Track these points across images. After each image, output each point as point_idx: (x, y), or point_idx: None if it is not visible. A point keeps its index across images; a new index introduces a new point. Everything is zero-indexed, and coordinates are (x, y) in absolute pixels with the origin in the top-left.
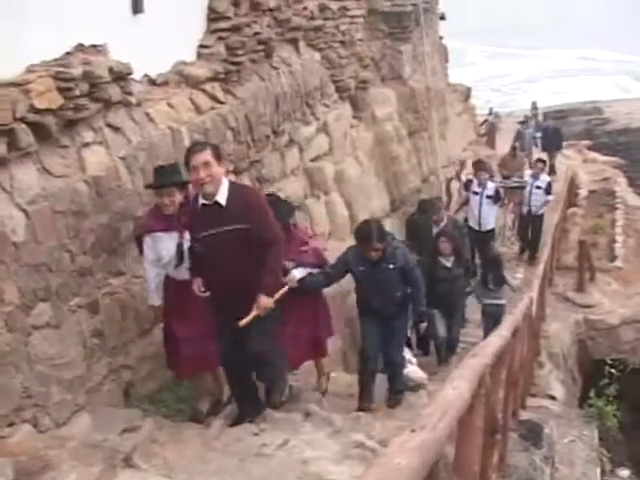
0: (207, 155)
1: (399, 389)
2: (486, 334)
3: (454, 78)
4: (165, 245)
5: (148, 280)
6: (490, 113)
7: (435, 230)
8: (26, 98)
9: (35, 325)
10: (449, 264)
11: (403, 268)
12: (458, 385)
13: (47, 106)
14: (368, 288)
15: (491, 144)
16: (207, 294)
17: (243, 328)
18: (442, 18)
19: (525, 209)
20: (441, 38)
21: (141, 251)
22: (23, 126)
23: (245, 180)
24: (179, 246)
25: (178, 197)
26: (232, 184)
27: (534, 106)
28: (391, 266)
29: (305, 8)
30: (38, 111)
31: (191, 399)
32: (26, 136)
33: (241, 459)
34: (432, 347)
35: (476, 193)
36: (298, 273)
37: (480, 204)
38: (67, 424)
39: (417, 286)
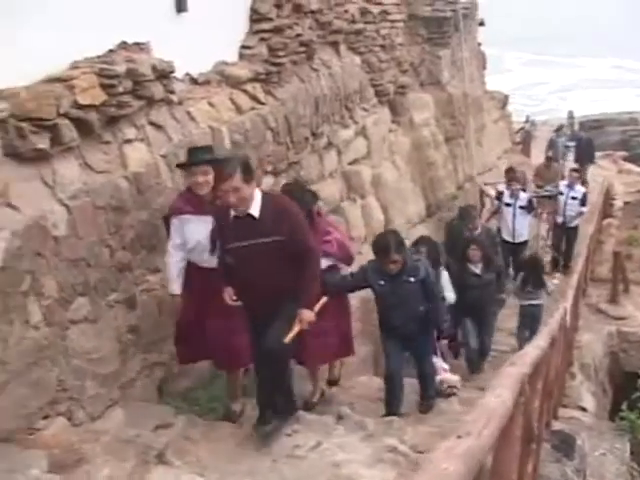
0: (236, 181)
1: (431, 395)
2: (521, 334)
3: (491, 85)
4: (192, 228)
5: (169, 265)
6: (526, 121)
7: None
8: (70, 94)
9: (73, 319)
10: (478, 270)
11: (424, 281)
12: (501, 393)
13: (90, 102)
14: (388, 303)
15: (526, 152)
16: (238, 303)
17: (266, 327)
18: (481, 24)
19: (559, 219)
20: (479, 44)
21: (169, 233)
22: (66, 121)
23: (283, 181)
24: (213, 231)
25: (212, 177)
26: (265, 195)
27: (570, 115)
28: (412, 279)
29: (346, 11)
30: (81, 107)
31: (224, 398)
32: (69, 131)
33: (274, 460)
34: (463, 354)
35: (508, 204)
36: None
37: (514, 215)
38: (101, 418)
39: (437, 301)
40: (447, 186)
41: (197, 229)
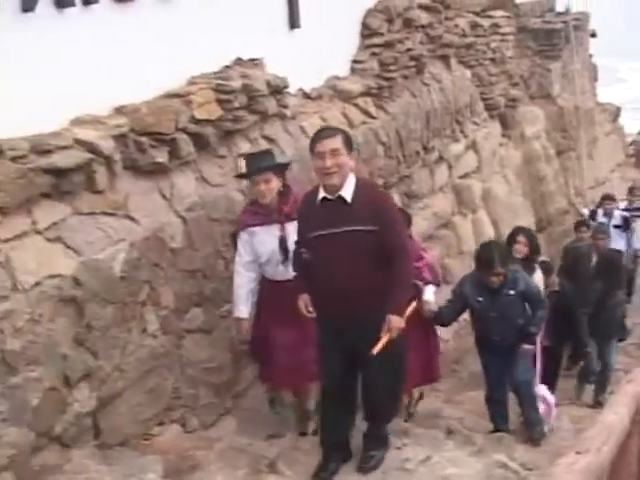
0: (337, 142)
1: (534, 420)
2: None
3: (604, 97)
4: (262, 239)
5: (237, 286)
6: (639, 133)
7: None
8: (188, 109)
9: (188, 329)
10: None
11: (524, 293)
12: (619, 410)
13: (207, 117)
14: (488, 318)
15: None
16: (314, 315)
17: (366, 361)
18: (593, 35)
19: None
20: (590, 56)
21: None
22: (184, 136)
23: (394, 195)
24: (282, 240)
25: (275, 183)
26: (359, 180)
27: None
28: (512, 292)
29: (457, 25)
30: (198, 122)
31: None
32: (186, 146)
33: (383, 472)
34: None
35: (602, 224)
36: (430, 293)
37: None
38: (214, 426)
39: (540, 308)
40: (558, 200)
41: (267, 239)
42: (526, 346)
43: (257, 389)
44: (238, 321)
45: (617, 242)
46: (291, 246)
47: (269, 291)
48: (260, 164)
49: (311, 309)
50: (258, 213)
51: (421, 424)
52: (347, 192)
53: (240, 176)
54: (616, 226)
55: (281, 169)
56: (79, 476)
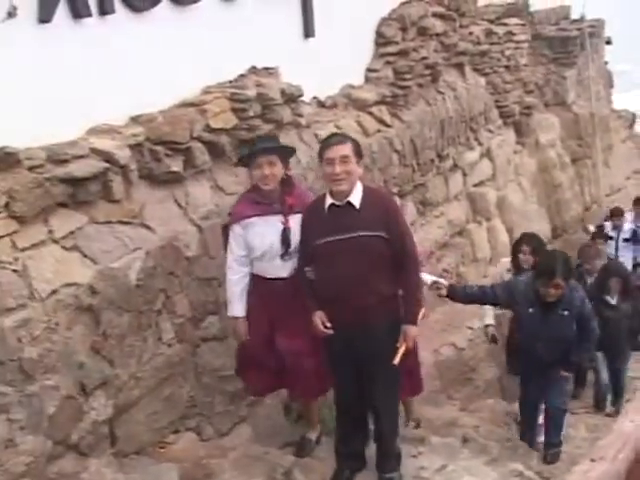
0: (347, 149)
1: (554, 442)
2: None
3: (619, 103)
4: (261, 232)
5: (231, 282)
6: None
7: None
8: (203, 118)
9: (203, 337)
10: (614, 301)
11: (579, 315)
12: (635, 418)
13: (222, 126)
14: (535, 334)
15: None
16: (331, 332)
17: (367, 377)
18: (608, 42)
19: None
20: (606, 63)
21: (227, 245)
22: (199, 145)
23: (409, 203)
24: (285, 232)
25: (279, 169)
26: (367, 187)
27: None
28: (566, 312)
29: (471, 33)
30: (213, 130)
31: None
32: (201, 154)
33: None
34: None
35: (611, 238)
36: (429, 276)
37: (616, 249)
38: (229, 434)
39: (590, 339)
40: (573, 208)
41: (267, 231)
42: (564, 373)
43: (272, 397)
44: (234, 320)
45: (625, 257)
46: (293, 240)
47: (259, 289)
48: (265, 145)
49: (329, 325)
50: (258, 203)
51: (437, 432)
52: (355, 198)
53: (241, 162)
54: (625, 239)
55: (286, 155)
56: None
